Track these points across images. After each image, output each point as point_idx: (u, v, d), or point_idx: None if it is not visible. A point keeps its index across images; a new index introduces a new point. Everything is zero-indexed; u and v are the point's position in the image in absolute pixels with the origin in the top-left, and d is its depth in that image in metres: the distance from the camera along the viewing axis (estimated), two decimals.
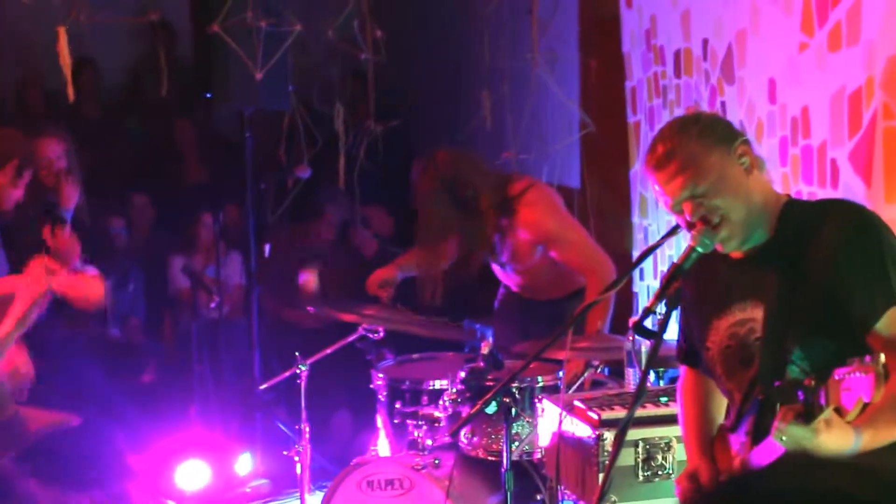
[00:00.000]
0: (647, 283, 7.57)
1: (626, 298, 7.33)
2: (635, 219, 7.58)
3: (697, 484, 3.52)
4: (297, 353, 5.77)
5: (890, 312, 3.23)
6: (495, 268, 6.28)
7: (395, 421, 5.44)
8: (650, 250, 4.12)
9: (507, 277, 6.26)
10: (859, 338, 3.24)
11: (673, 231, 3.94)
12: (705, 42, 6.42)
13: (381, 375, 5.64)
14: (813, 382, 2.96)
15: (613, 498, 3.98)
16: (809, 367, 3.29)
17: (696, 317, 3.62)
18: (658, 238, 4.04)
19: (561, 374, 5.03)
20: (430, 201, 5.90)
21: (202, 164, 9.85)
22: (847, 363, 2.93)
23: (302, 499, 5.79)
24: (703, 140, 3.36)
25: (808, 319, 3.32)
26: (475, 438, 5.19)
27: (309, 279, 7.30)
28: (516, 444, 4.91)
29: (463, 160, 5.99)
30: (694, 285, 3.61)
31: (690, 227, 3.38)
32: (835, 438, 2.95)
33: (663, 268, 7.23)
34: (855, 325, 3.26)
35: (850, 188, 4.98)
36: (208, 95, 7.54)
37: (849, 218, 3.36)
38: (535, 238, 5.90)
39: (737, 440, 3.47)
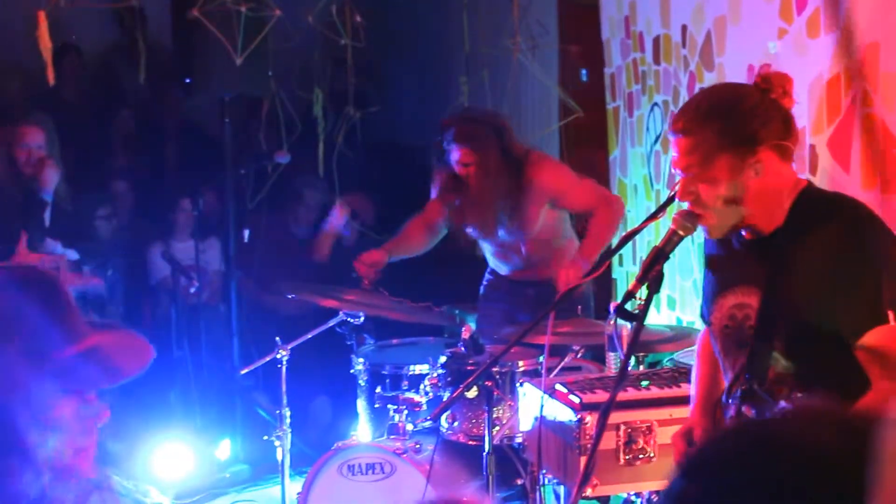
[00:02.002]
0: (626, 269, 7.60)
1: (606, 284, 7.35)
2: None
3: (691, 443, 3.55)
4: (277, 339, 5.77)
5: (875, 330, 3.17)
6: (487, 248, 6.26)
7: (376, 406, 5.46)
8: (631, 235, 4.13)
9: (504, 254, 6.22)
10: (844, 344, 3.21)
11: (653, 216, 3.95)
12: (684, 28, 6.44)
13: (361, 360, 5.65)
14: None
15: (595, 481, 4.00)
16: (792, 364, 3.29)
17: (709, 288, 3.62)
18: (638, 223, 4.04)
19: (542, 359, 5.04)
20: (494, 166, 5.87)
21: (180, 149, 9.84)
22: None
23: (282, 484, 5.80)
24: (723, 139, 3.26)
25: (795, 318, 3.29)
26: (456, 423, 5.20)
27: (340, 212, 7.28)
28: (497, 428, 4.93)
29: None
30: (713, 256, 3.61)
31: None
32: None
33: (642, 254, 7.26)
34: (841, 335, 3.22)
35: (829, 175, 5.01)
36: (188, 81, 7.53)
37: (850, 224, 3.29)
38: (549, 192, 5.89)
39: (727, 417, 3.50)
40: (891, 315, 3.17)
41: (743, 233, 3.43)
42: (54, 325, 2.30)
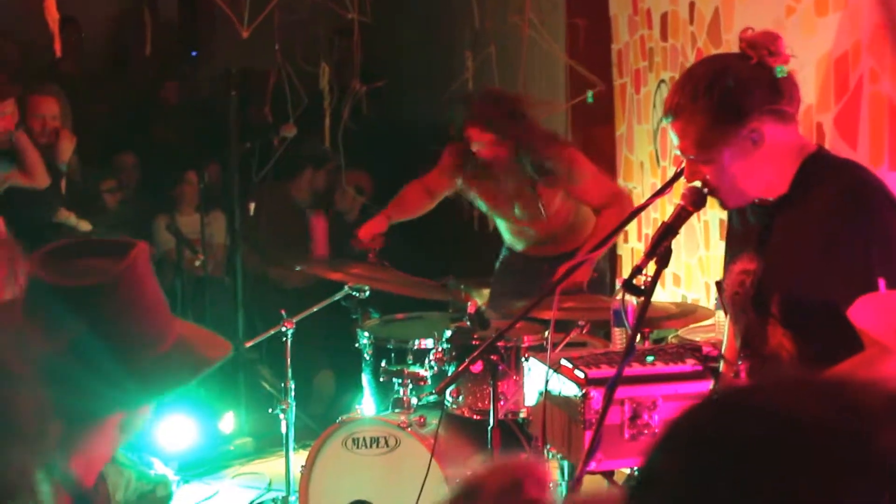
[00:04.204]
0: (630, 246, 7.60)
1: (611, 260, 7.35)
2: (620, 181, 7.60)
3: None
4: (282, 312, 5.78)
5: (863, 298, 3.10)
6: (502, 224, 6.26)
7: (381, 379, 5.46)
8: (637, 211, 4.13)
9: (520, 231, 6.21)
10: (838, 312, 3.14)
11: (659, 193, 3.95)
12: (692, 5, 6.43)
13: (366, 334, 5.65)
14: None
15: (599, 455, 4.01)
16: (790, 332, 3.28)
17: (725, 256, 3.59)
18: (644, 199, 4.04)
19: (547, 334, 5.04)
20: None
21: (186, 122, 9.84)
22: None
23: (287, 457, 5.81)
24: (711, 116, 3.21)
25: (789, 285, 3.26)
26: (461, 397, 5.21)
27: (319, 222, 7.28)
28: (502, 402, 4.94)
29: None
30: (730, 224, 3.59)
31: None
32: None
33: (648, 230, 7.26)
34: (834, 302, 3.16)
35: (836, 152, 4.99)
36: (194, 54, 7.53)
37: (844, 189, 3.21)
38: (564, 179, 5.89)
39: None
40: (882, 282, 3.11)
41: (755, 200, 3.40)
42: (146, 317, 2.10)
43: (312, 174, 8.62)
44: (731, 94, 3.23)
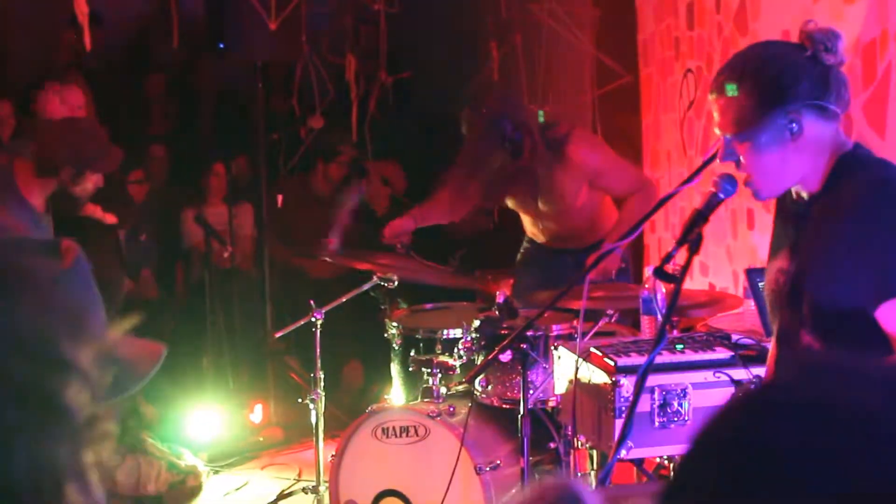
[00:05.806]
0: (658, 235, 7.60)
1: (638, 250, 7.36)
2: (647, 171, 7.60)
3: None
4: (311, 302, 5.80)
5: (886, 304, 3.04)
6: (526, 218, 6.28)
7: (410, 369, 5.48)
8: (665, 200, 4.13)
9: (541, 225, 6.23)
10: (867, 316, 3.08)
11: (687, 181, 3.94)
12: None
13: (395, 324, 5.68)
14: None
15: (630, 444, 4.02)
16: (819, 336, 3.26)
17: (770, 246, 3.57)
18: (672, 188, 4.03)
19: (576, 322, 5.04)
20: (481, 143, 5.83)
21: (213, 114, 9.87)
22: None
23: (316, 446, 5.84)
24: (754, 99, 3.19)
25: (816, 287, 3.22)
26: (490, 386, 5.23)
27: (333, 244, 7.28)
28: (531, 391, 4.95)
29: (513, 101, 6.02)
30: (775, 217, 3.57)
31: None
32: None
33: (675, 220, 7.26)
34: (860, 306, 3.10)
35: (864, 140, 4.99)
36: (221, 46, 7.55)
37: (869, 187, 3.16)
38: (587, 172, 5.87)
39: None
40: None
41: (794, 195, 3.38)
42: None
43: (324, 167, 8.63)
44: (777, 80, 3.20)
